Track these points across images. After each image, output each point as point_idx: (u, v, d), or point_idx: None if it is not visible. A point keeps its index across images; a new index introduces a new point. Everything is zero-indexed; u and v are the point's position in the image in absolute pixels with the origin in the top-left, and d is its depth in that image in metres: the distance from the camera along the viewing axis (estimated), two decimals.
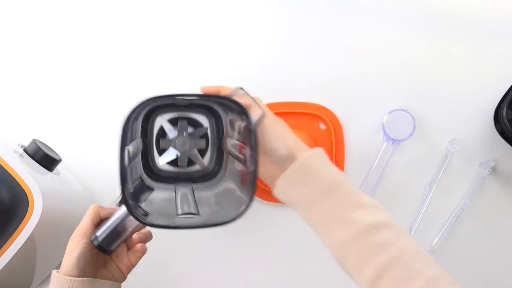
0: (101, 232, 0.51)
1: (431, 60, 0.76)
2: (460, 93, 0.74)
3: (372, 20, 0.78)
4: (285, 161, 0.44)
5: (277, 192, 0.45)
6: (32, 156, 0.58)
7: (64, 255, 0.51)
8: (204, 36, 0.78)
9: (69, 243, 0.51)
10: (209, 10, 0.80)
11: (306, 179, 0.43)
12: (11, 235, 0.50)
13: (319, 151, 0.45)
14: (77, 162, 0.71)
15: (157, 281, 0.69)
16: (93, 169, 0.72)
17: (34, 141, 0.60)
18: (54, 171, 0.61)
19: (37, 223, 0.51)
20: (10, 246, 0.50)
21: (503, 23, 0.78)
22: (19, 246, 0.50)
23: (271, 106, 0.71)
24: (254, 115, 0.44)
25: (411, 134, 0.68)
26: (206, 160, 0.57)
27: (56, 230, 0.58)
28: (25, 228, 0.50)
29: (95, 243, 0.51)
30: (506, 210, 0.69)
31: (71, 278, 0.49)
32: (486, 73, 0.75)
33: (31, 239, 0.51)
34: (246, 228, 0.68)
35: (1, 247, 0.50)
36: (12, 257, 0.50)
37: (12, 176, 0.51)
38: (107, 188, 0.71)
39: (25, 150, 0.59)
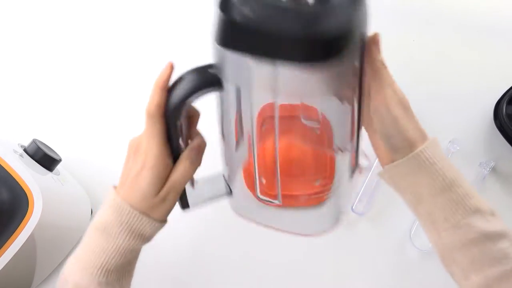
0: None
1: (431, 60, 0.76)
2: (460, 93, 0.74)
3: (372, 20, 0.78)
4: (398, 150, 0.39)
5: (384, 175, 0.42)
6: (32, 156, 0.58)
7: (140, 188, 0.40)
8: (204, 36, 0.78)
9: (149, 181, 0.40)
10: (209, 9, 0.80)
11: (420, 171, 0.39)
12: (11, 235, 0.50)
13: (436, 142, 0.40)
14: (77, 162, 0.71)
15: (158, 282, 0.69)
16: (93, 169, 0.72)
17: (34, 141, 0.60)
18: (54, 171, 0.61)
19: (37, 223, 0.50)
20: (10, 246, 0.50)
21: (503, 23, 0.78)
22: (19, 246, 0.50)
23: None
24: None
25: None
26: None
27: (56, 230, 0.58)
28: (25, 228, 0.50)
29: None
30: (506, 210, 0.68)
31: (159, 224, 0.42)
32: (487, 73, 0.75)
33: (31, 239, 0.51)
34: (247, 228, 0.68)
35: (1, 247, 0.50)
36: (12, 257, 0.50)
37: (12, 176, 0.51)
38: (107, 188, 0.71)
39: (25, 150, 0.59)
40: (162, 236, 0.62)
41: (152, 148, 0.40)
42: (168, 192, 0.41)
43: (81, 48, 0.78)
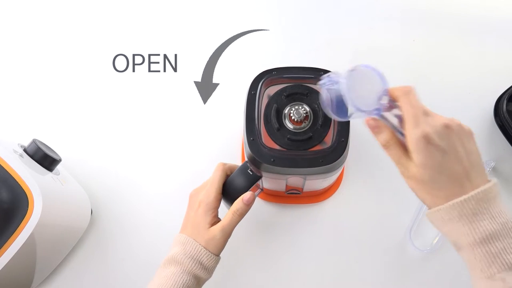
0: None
1: (431, 60, 0.76)
2: (460, 93, 0.74)
3: (372, 20, 0.78)
4: (441, 195, 0.42)
5: (427, 216, 0.44)
6: (32, 156, 0.58)
7: (197, 224, 0.54)
8: (204, 37, 0.78)
9: (203, 213, 0.55)
10: (209, 10, 0.80)
11: (461, 220, 0.41)
12: (11, 235, 0.50)
13: (489, 190, 0.41)
14: (77, 162, 0.71)
15: None
16: (93, 169, 0.72)
17: (34, 141, 0.60)
18: (54, 171, 0.61)
19: (37, 223, 0.50)
20: (10, 246, 0.50)
21: (503, 23, 0.78)
22: (19, 246, 0.50)
23: None
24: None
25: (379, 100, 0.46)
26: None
27: (56, 230, 0.58)
28: (25, 228, 0.50)
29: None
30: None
31: (215, 257, 0.54)
32: (486, 73, 0.75)
33: (31, 239, 0.51)
34: (250, 229, 0.68)
35: (1, 247, 0.50)
36: (12, 257, 0.50)
37: (12, 176, 0.51)
38: (107, 188, 0.71)
39: (25, 150, 0.59)
40: (168, 240, 0.62)
41: (209, 190, 0.55)
42: (219, 231, 0.53)
43: (81, 49, 0.78)
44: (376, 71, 0.45)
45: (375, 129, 0.44)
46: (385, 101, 0.44)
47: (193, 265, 0.52)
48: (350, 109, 0.44)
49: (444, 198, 0.41)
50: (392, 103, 0.44)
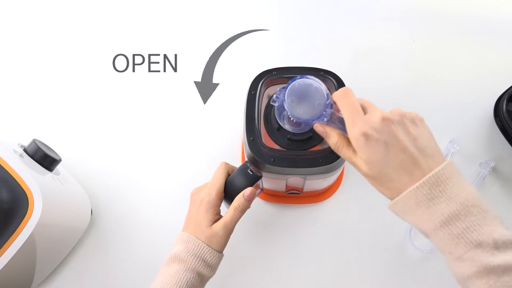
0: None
1: (431, 59, 0.76)
2: (460, 93, 0.74)
3: (372, 20, 0.78)
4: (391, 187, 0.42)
5: (388, 208, 0.44)
6: (32, 156, 0.58)
7: (199, 221, 0.54)
8: (204, 37, 0.78)
9: (204, 211, 0.54)
10: (209, 10, 0.80)
11: (419, 208, 0.40)
12: (11, 235, 0.50)
13: (439, 173, 0.40)
14: (77, 162, 0.71)
15: None
16: (93, 169, 0.72)
17: (34, 141, 0.60)
18: (54, 171, 0.61)
19: (37, 223, 0.50)
20: (10, 246, 0.50)
21: (503, 23, 0.78)
22: (19, 246, 0.50)
23: None
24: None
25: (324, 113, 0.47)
26: None
27: (56, 230, 0.58)
28: (25, 228, 0.50)
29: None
30: (506, 210, 0.69)
31: (217, 254, 0.54)
32: (486, 73, 0.75)
33: (31, 239, 0.51)
34: (250, 229, 0.68)
35: (1, 247, 0.50)
36: (12, 257, 0.50)
37: (12, 176, 0.51)
38: (107, 188, 0.71)
39: (25, 150, 0.59)
40: (169, 240, 0.62)
41: (211, 188, 0.55)
42: (221, 228, 0.53)
43: (81, 49, 0.78)
44: (315, 79, 0.47)
45: (322, 134, 0.47)
46: (329, 107, 0.46)
47: (196, 262, 0.52)
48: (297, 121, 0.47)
49: (398, 189, 0.41)
50: (337, 107, 0.45)
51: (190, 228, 0.55)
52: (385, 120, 0.41)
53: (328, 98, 0.46)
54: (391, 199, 0.43)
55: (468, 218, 0.39)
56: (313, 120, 0.46)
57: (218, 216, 0.55)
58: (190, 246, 0.53)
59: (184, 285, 0.51)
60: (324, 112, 0.46)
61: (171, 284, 0.51)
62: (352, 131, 0.42)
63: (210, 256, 0.53)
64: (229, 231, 0.54)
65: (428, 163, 0.41)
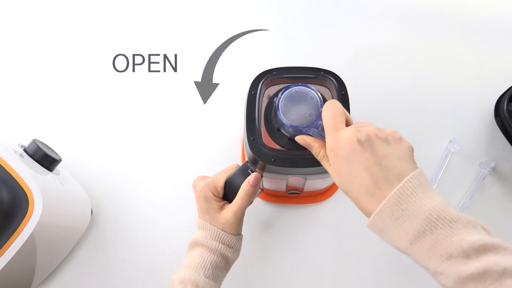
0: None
1: (431, 60, 0.76)
2: (460, 93, 0.74)
3: (372, 20, 0.78)
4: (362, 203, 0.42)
5: (368, 228, 0.43)
6: (32, 156, 0.58)
7: (206, 210, 0.56)
8: (204, 37, 0.78)
9: (207, 199, 0.56)
10: (209, 10, 0.80)
11: (387, 229, 0.41)
12: (11, 235, 0.50)
13: (398, 193, 0.40)
14: (77, 162, 0.71)
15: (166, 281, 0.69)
16: (93, 169, 0.72)
17: (34, 141, 0.60)
18: (54, 171, 0.61)
19: (37, 223, 0.50)
20: (10, 246, 0.50)
21: (503, 23, 0.78)
22: (19, 246, 0.50)
23: None
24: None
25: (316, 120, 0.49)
26: None
27: (56, 230, 0.58)
28: (25, 228, 0.50)
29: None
30: (506, 210, 0.69)
31: (235, 236, 0.56)
32: (486, 73, 0.75)
33: (31, 239, 0.51)
34: (250, 229, 0.68)
35: (1, 247, 0.50)
36: (12, 257, 0.50)
37: (12, 176, 0.51)
38: (107, 188, 0.71)
39: (25, 150, 0.59)
40: (169, 240, 0.62)
41: (217, 175, 0.57)
42: (232, 216, 0.55)
43: (81, 49, 0.78)
44: (313, 90, 0.48)
45: (305, 146, 0.48)
46: (320, 118, 0.47)
47: (217, 245, 0.54)
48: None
49: (367, 211, 0.42)
50: None
51: (204, 216, 0.57)
52: (350, 138, 0.42)
53: (320, 109, 0.47)
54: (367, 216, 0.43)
55: (434, 232, 0.38)
56: (303, 127, 0.48)
57: (222, 202, 0.57)
58: (208, 233, 0.55)
59: (208, 264, 0.53)
60: (315, 123, 0.47)
61: (196, 263, 0.53)
62: (327, 144, 0.44)
63: (228, 239, 0.55)
64: (240, 217, 0.56)
65: (392, 183, 0.40)
